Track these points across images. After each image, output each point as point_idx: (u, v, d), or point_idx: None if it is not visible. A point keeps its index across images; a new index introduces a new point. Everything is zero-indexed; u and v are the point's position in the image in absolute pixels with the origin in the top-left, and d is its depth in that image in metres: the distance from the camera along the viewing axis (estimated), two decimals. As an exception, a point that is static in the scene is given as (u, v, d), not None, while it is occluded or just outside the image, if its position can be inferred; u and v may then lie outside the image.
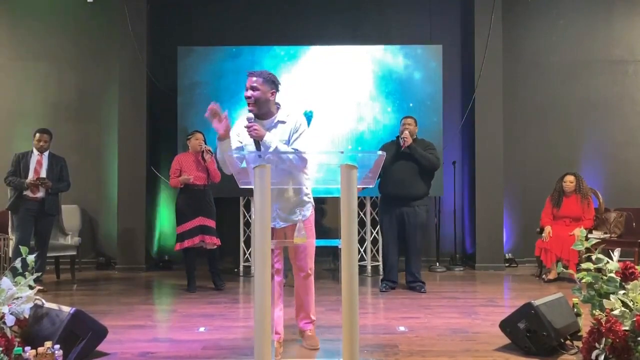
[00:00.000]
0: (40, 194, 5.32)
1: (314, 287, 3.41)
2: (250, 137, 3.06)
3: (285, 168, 3.04)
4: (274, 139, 3.08)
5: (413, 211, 5.14)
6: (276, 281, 3.23)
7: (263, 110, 3.15)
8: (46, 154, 5.46)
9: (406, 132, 5.09)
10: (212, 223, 5.32)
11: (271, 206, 2.97)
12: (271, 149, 3.01)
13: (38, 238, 5.39)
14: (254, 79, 3.11)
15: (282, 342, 3.30)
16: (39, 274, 3.26)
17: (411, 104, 6.40)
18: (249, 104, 3.14)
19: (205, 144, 5.43)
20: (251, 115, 3.09)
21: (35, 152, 5.42)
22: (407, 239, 5.18)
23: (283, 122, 3.18)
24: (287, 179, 3.12)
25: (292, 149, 3.09)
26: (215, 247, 5.33)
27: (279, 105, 3.24)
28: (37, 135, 5.44)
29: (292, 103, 3.41)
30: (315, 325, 3.48)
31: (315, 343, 3.35)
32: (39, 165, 5.38)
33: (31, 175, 5.31)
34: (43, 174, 5.34)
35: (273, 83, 3.16)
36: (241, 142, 3.22)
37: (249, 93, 3.12)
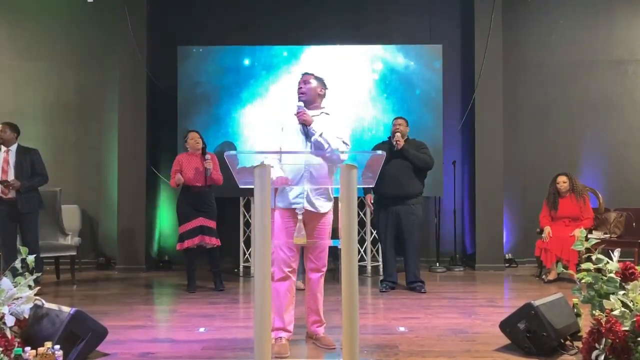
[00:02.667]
0: (11, 194, 5.06)
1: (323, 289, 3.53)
2: (299, 121, 3.34)
3: (328, 157, 3.23)
4: (320, 126, 3.33)
5: (409, 209, 5.13)
6: (292, 281, 3.38)
7: (311, 101, 3.46)
8: (14, 148, 5.15)
9: (397, 134, 5.09)
10: (212, 223, 5.31)
11: (302, 185, 3.26)
12: (316, 135, 3.30)
13: (23, 238, 5.11)
14: (308, 76, 3.51)
15: (289, 340, 3.36)
16: (39, 274, 3.25)
17: (411, 104, 6.41)
18: (300, 95, 3.45)
19: (204, 142, 5.40)
20: (301, 103, 3.38)
21: (3, 148, 5.12)
22: (405, 238, 5.17)
23: (327, 114, 3.48)
24: (327, 170, 3.30)
25: (337, 137, 3.34)
26: (215, 247, 5.33)
27: (324, 107, 3.55)
28: None
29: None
30: (325, 327, 3.54)
31: (331, 342, 3.40)
32: (5, 163, 5.08)
33: None
34: (11, 172, 5.06)
35: (324, 84, 3.54)
36: (282, 128, 3.44)
37: (302, 85, 3.48)
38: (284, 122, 3.44)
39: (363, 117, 6.43)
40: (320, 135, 3.29)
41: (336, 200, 3.14)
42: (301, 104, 3.38)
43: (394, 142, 5.07)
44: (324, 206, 3.38)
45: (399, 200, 5.12)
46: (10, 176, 5.08)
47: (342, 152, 3.25)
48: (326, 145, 3.28)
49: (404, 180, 5.09)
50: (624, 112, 6.98)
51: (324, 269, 3.47)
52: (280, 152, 3.32)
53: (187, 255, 5.33)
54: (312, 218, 3.36)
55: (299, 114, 3.34)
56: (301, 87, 3.46)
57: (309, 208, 3.31)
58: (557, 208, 5.90)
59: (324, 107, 3.52)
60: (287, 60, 6.45)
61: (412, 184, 5.13)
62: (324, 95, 3.53)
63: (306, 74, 3.55)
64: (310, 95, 3.45)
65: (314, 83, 3.47)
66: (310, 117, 3.35)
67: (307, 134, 3.34)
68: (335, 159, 3.23)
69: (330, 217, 3.46)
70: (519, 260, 6.80)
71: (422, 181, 5.22)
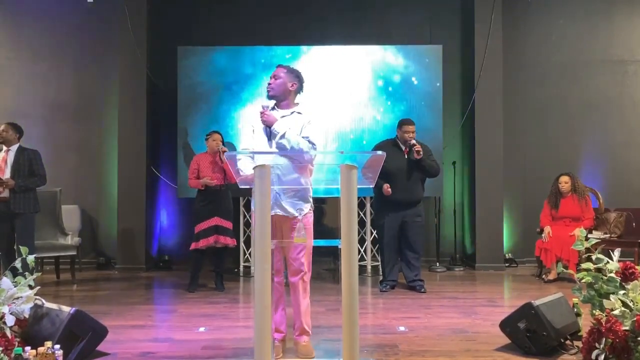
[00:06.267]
0: (5, 193, 4.96)
1: (308, 294, 3.24)
2: (262, 122, 3.16)
3: (293, 157, 3.07)
4: (284, 127, 3.12)
5: (416, 212, 5.21)
6: (277, 282, 3.20)
7: (281, 99, 3.25)
8: (14, 148, 5.09)
9: (418, 145, 5.06)
10: (227, 224, 5.31)
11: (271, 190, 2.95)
12: (279, 136, 3.09)
13: (18, 240, 4.93)
14: (280, 69, 3.27)
15: (284, 340, 3.30)
16: (39, 273, 3.25)
17: (411, 104, 6.41)
18: (269, 91, 3.24)
19: (223, 144, 5.43)
20: (266, 103, 3.21)
21: (3, 147, 5.08)
22: (410, 239, 5.22)
23: (299, 113, 3.24)
24: (294, 170, 3.11)
25: (303, 137, 3.13)
26: (226, 247, 5.31)
27: (299, 103, 3.32)
28: None
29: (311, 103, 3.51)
30: (310, 336, 3.27)
31: (310, 353, 3.18)
32: (3, 162, 5.03)
33: None
34: (8, 171, 5.01)
35: (297, 77, 3.27)
36: (253, 130, 3.27)
37: (271, 80, 3.25)
38: (254, 124, 3.24)
39: (363, 118, 6.43)
40: (282, 136, 3.08)
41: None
42: (266, 104, 3.20)
43: (414, 152, 5.03)
44: (297, 209, 3.13)
45: (408, 206, 5.20)
46: (6, 175, 5.02)
47: (306, 152, 3.04)
48: (288, 147, 3.07)
49: (414, 186, 5.20)
50: (624, 112, 6.98)
51: (304, 272, 3.17)
52: (270, 153, 3.11)
53: (196, 255, 5.32)
54: (284, 221, 3.16)
55: (261, 115, 3.16)
56: (270, 83, 3.24)
57: (279, 212, 3.11)
58: (558, 208, 5.90)
59: (297, 104, 3.29)
60: (287, 60, 6.44)
61: (419, 189, 5.26)
62: (297, 91, 3.28)
63: (279, 66, 3.31)
64: (279, 92, 3.23)
65: (284, 77, 3.23)
66: (272, 118, 3.14)
67: (270, 136, 3.15)
68: (302, 158, 3.05)
69: (311, 217, 3.23)
70: (519, 260, 6.80)
71: (424, 184, 5.34)
